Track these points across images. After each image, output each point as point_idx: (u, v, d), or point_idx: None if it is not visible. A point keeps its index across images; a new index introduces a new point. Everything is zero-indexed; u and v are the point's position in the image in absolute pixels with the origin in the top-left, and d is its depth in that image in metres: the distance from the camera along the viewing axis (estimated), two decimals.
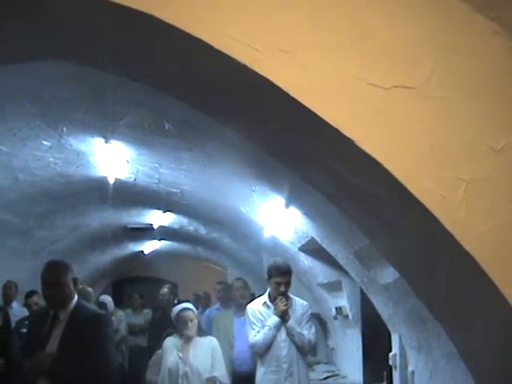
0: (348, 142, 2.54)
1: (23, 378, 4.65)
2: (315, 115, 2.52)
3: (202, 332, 6.38)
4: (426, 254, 3.03)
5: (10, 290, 9.53)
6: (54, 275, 4.69)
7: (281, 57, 2.50)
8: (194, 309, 6.39)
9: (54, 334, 4.61)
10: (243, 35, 2.47)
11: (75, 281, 4.80)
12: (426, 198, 2.56)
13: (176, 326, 6.30)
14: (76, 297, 4.79)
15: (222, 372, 6.12)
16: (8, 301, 9.41)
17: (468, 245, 2.56)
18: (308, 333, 6.21)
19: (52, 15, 2.79)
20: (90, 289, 11.14)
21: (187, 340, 6.19)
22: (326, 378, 8.71)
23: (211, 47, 2.47)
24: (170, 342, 6.30)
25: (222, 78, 2.73)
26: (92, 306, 5.36)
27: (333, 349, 9.98)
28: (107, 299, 11.05)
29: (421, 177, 2.55)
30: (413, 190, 2.55)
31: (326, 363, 9.94)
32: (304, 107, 2.51)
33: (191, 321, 6.18)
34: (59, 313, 4.69)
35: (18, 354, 7.57)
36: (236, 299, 7.62)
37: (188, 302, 7.12)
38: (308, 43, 2.52)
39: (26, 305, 8.27)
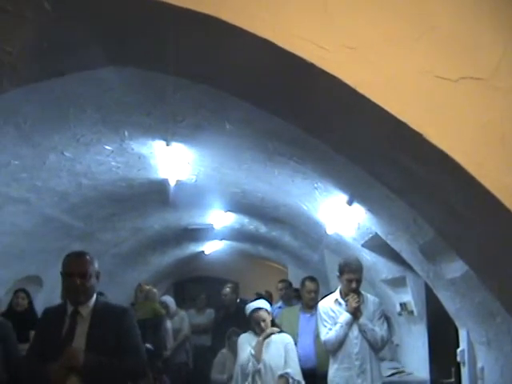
0: (417, 136, 2.52)
1: (49, 378, 4.16)
2: (383, 110, 2.51)
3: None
4: (498, 246, 2.99)
5: None
6: (82, 265, 4.37)
7: (347, 53, 2.49)
8: (267, 307, 6.41)
9: (78, 331, 4.28)
10: (308, 33, 2.48)
11: (98, 275, 4.49)
12: (497, 189, 2.52)
13: (248, 324, 6.35)
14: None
15: (295, 368, 6.12)
16: None
17: None
18: (380, 329, 6.16)
19: (116, 22, 2.83)
20: (155, 290, 11.30)
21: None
22: (391, 375, 8.61)
23: (277, 47, 2.48)
24: (244, 339, 6.34)
25: (288, 76, 2.73)
26: (111, 301, 5.11)
27: (397, 345, 9.86)
28: (169, 299, 11.17)
29: (492, 169, 2.52)
30: (484, 182, 2.52)
31: (391, 360, 9.82)
32: (371, 102, 2.50)
33: (264, 321, 6.22)
34: (80, 309, 4.36)
35: None
36: (305, 300, 7.56)
37: (261, 298, 7.13)
38: (374, 38, 2.52)
39: None
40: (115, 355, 4.23)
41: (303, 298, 7.63)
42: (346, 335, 6.11)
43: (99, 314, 4.37)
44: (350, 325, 6.12)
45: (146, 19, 2.76)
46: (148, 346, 9.92)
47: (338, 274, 6.35)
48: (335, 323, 6.16)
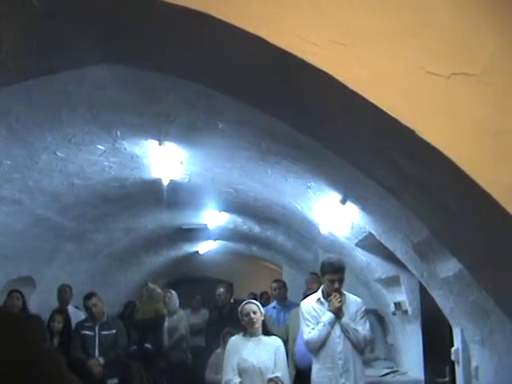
0: (409, 133, 2.51)
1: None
2: (374, 106, 2.49)
3: (267, 331, 6.43)
4: (492, 244, 2.97)
5: (65, 294, 9.69)
6: None
7: (338, 49, 2.48)
8: (259, 305, 6.44)
9: None
10: (299, 29, 2.46)
11: None
12: (491, 187, 2.51)
13: (240, 321, 6.39)
14: None
15: (283, 372, 6.15)
16: (64, 304, 9.57)
17: None
18: (362, 329, 6.19)
19: (106, 19, 2.81)
20: (159, 290, 11.29)
21: (251, 338, 6.24)
22: (385, 375, 8.60)
23: (268, 43, 2.45)
24: (234, 341, 6.35)
25: (279, 73, 2.71)
26: None
27: (392, 345, 9.86)
28: (175, 295, 11.06)
29: (485, 165, 2.50)
30: (477, 179, 2.50)
31: (385, 359, 9.82)
32: (363, 98, 2.48)
33: (254, 313, 6.23)
34: None
35: (79, 355, 7.73)
36: (306, 292, 7.69)
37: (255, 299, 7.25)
38: (365, 34, 2.50)
39: (85, 307, 8.38)
40: None
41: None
42: (328, 335, 6.13)
43: None
44: (332, 324, 6.15)
45: (136, 16, 2.74)
46: (148, 345, 9.92)
47: (319, 273, 6.37)
48: (318, 323, 6.18)
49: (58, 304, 9.60)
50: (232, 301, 10.91)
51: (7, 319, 2.74)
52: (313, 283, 7.80)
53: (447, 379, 6.90)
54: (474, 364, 5.67)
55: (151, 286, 11.45)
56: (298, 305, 7.19)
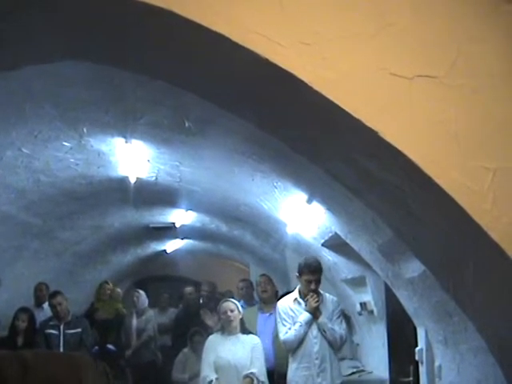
0: (371, 134, 2.51)
1: None
2: (338, 107, 2.49)
3: (245, 330, 6.49)
4: (453, 245, 2.99)
5: (41, 292, 9.64)
6: None
7: (302, 49, 2.47)
8: (237, 303, 6.52)
9: None
10: (264, 28, 2.45)
11: None
12: (452, 188, 2.52)
13: (219, 319, 6.50)
14: None
15: (260, 369, 6.22)
16: (40, 302, 9.52)
17: (496, 235, 2.52)
18: (339, 328, 6.24)
19: (73, 15, 2.78)
20: (119, 290, 11.18)
21: (229, 336, 6.31)
22: (351, 374, 8.64)
23: (232, 41, 2.45)
24: (212, 339, 6.42)
25: (243, 72, 2.71)
26: None
27: (358, 345, 9.91)
28: (143, 295, 10.89)
29: (446, 167, 2.52)
30: (438, 181, 2.52)
31: (351, 359, 9.86)
32: (327, 99, 2.48)
33: (232, 311, 6.33)
34: None
35: None
36: (258, 294, 7.72)
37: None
38: (329, 34, 2.50)
39: (50, 305, 8.31)
40: None
41: (258, 294, 7.87)
42: (305, 334, 6.16)
43: None
44: (309, 324, 6.19)
45: (101, 12, 2.71)
46: (110, 346, 9.83)
47: (297, 274, 6.39)
48: (294, 322, 6.21)
49: (33, 302, 9.60)
50: (201, 300, 10.86)
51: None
52: (267, 285, 7.80)
53: (411, 379, 6.95)
54: (437, 363, 5.71)
55: (110, 285, 11.36)
56: None
